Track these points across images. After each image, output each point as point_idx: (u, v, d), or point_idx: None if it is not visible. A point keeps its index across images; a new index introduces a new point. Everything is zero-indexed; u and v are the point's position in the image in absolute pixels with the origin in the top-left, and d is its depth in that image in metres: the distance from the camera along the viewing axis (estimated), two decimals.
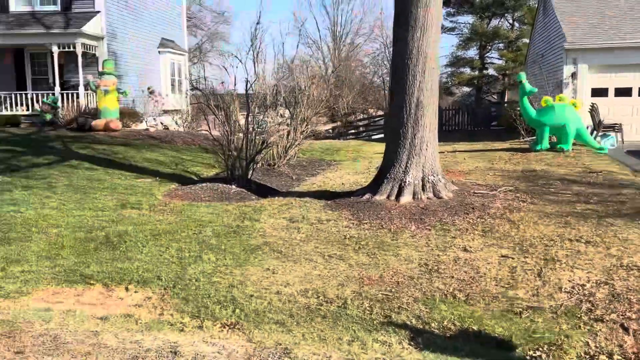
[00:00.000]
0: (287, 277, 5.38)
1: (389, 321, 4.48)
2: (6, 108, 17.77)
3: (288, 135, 11.54)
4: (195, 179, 10.70)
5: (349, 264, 5.69)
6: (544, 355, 4.02)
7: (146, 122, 18.55)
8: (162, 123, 19.70)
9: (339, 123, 24.08)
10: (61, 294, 5.12)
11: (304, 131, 11.74)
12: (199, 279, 5.34)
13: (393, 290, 5.04)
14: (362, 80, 30.54)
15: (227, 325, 4.40)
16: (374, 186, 8.04)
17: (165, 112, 20.58)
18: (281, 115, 12.78)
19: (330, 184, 9.90)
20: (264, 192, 9.32)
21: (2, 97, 17.68)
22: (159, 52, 21.66)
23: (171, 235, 6.63)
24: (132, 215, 7.62)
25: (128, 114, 17.26)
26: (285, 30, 66.46)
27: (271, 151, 11.40)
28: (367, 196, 7.85)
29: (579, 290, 4.87)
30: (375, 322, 4.48)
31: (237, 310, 4.66)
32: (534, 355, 4.05)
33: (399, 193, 7.69)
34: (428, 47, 7.63)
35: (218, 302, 4.83)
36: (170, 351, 3.65)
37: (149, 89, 19.53)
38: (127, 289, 5.14)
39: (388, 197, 7.71)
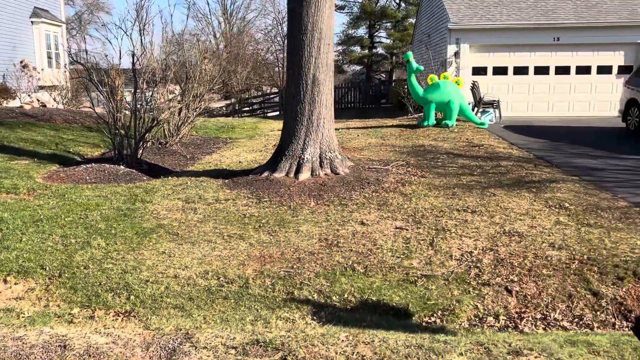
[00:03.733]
0: (184, 260, 5.20)
1: (292, 298, 4.48)
2: None
3: (180, 112, 11.08)
4: (79, 159, 9.98)
5: (249, 243, 5.60)
6: (438, 321, 4.24)
7: (20, 99, 16.97)
8: (38, 100, 18.12)
9: (233, 100, 23.64)
10: None
11: (197, 108, 11.33)
12: (87, 266, 4.99)
13: (295, 266, 5.05)
14: (256, 57, 30.12)
15: (122, 314, 4.17)
16: (273, 164, 7.98)
17: (42, 87, 18.93)
18: (171, 92, 12.25)
19: (227, 162, 9.68)
20: (156, 172, 8.91)
21: None
22: (31, 22, 19.79)
23: (54, 221, 6.13)
24: (8, 200, 6.94)
25: None
26: (173, 2, 63.43)
27: (162, 129, 10.91)
28: (265, 174, 7.77)
29: (468, 257, 5.18)
30: (277, 299, 4.46)
31: (132, 297, 4.42)
32: (429, 321, 4.25)
33: (298, 170, 7.70)
34: (322, 22, 7.63)
35: (110, 289, 4.55)
36: (59, 345, 3.37)
37: (21, 62, 17.83)
38: (5, 281, 4.69)
39: (287, 174, 7.69)
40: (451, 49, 16.30)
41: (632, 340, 3.57)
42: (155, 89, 10.34)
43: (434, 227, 5.94)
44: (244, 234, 5.86)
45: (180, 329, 3.67)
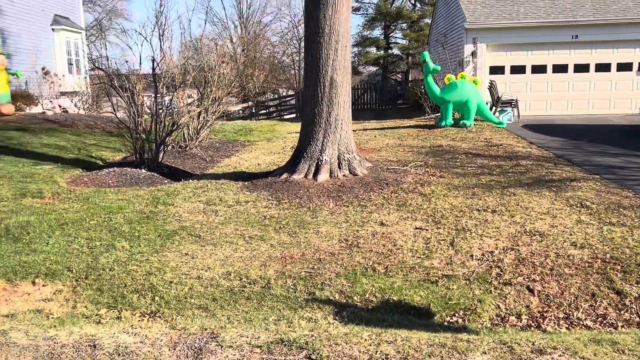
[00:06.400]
0: (207, 261, 5.27)
1: (313, 298, 4.52)
2: None
3: (199, 116, 11.21)
4: (101, 163, 10.15)
5: (270, 244, 5.66)
6: (460, 320, 4.24)
7: (42, 105, 17.29)
8: (60, 106, 18.45)
9: (250, 103, 23.79)
10: None
11: (215, 112, 11.45)
12: (113, 268, 5.09)
13: (315, 267, 5.09)
14: (272, 60, 30.29)
15: (147, 314, 4.25)
16: (291, 165, 8.04)
17: (63, 94, 19.28)
18: (190, 95, 12.40)
19: (245, 164, 9.77)
20: (177, 175, 9.04)
21: None
22: (52, 29, 20.15)
23: (79, 224, 6.26)
24: (34, 204, 7.10)
25: (21, 97, 15.99)
26: (191, 7, 64.03)
27: (182, 133, 11.05)
28: (284, 176, 7.83)
29: (489, 256, 5.18)
30: (299, 299, 4.50)
31: (157, 298, 4.51)
32: (450, 320, 4.26)
33: (317, 171, 7.75)
34: (340, 24, 7.67)
35: (136, 290, 4.64)
36: (89, 345, 3.46)
37: (43, 69, 18.17)
38: (34, 283, 4.80)
39: (306, 175, 7.74)
40: (468, 48, 16.23)
41: None
42: (175, 93, 10.48)
43: (454, 227, 5.94)
44: (264, 235, 5.92)
45: (206, 329, 3.73)
